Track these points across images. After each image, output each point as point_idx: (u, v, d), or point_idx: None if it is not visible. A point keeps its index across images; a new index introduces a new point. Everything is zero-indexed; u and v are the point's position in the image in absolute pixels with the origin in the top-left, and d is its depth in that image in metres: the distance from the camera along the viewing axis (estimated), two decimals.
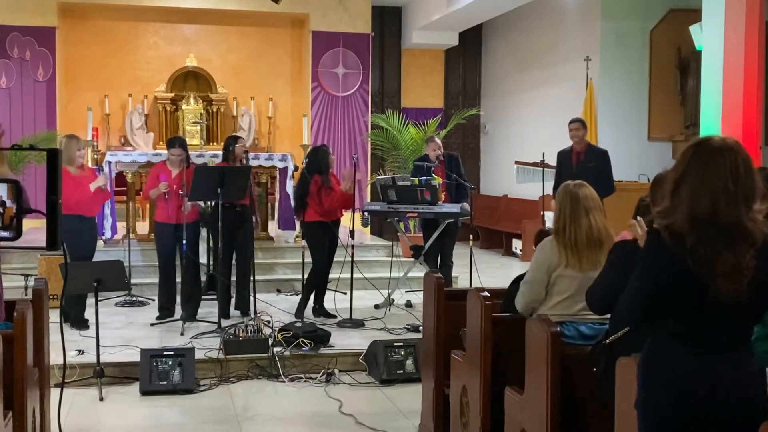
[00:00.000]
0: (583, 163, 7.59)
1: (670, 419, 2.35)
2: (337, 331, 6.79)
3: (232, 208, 7.10)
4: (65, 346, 3.55)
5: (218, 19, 12.88)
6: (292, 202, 8.39)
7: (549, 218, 8.66)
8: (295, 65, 13.27)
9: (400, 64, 14.48)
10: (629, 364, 2.67)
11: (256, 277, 7.33)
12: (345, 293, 7.56)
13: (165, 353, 5.65)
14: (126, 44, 12.76)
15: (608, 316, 3.22)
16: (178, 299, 7.33)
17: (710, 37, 7.57)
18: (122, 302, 7.92)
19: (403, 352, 5.90)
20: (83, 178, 6.66)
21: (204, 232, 7.68)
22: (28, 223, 2.37)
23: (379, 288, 8.20)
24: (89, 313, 6.73)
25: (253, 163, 8.10)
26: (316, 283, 7.41)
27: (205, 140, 11.64)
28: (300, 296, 7.54)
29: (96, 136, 11.49)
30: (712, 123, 7.39)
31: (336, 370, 5.95)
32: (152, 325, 7.04)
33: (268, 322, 6.43)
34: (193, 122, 11.85)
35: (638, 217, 2.78)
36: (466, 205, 7.80)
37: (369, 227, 10.82)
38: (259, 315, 6.54)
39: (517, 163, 11.86)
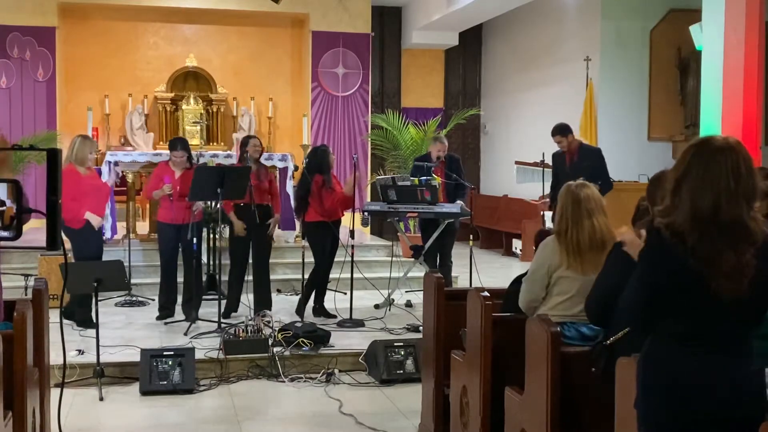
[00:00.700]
0: (577, 163, 7.57)
1: (670, 419, 2.35)
2: (337, 331, 6.79)
3: (260, 208, 7.13)
4: (65, 346, 3.55)
5: (218, 19, 12.88)
6: (293, 202, 8.40)
7: (549, 218, 8.66)
8: (295, 65, 13.26)
9: (400, 64, 14.48)
10: (629, 364, 2.67)
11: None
12: (345, 293, 7.56)
13: (165, 353, 5.65)
14: (126, 44, 12.76)
15: None
16: (179, 299, 7.33)
17: (710, 37, 7.58)
18: (122, 302, 7.92)
19: (403, 352, 5.90)
20: (91, 178, 6.78)
21: (204, 232, 7.67)
22: (28, 223, 2.37)
23: (379, 288, 8.20)
24: None
25: (266, 163, 8.08)
26: (317, 283, 7.42)
27: (205, 140, 11.65)
28: (300, 296, 7.55)
29: (96, 136, 11.51)
30: (712, 123, 7.39)
31: (336, 370, 5.94)
32: (163, 321, 7.10)
33: (268, 322, 6.43)
34: (193, 122, 11.85)
35: (634, 228, 2.77)
36: (463, 204, 7.79)
37: (369, 227, 10.83)
38: (259, 315, 6.54)
39: (517, 163, 11.88)
